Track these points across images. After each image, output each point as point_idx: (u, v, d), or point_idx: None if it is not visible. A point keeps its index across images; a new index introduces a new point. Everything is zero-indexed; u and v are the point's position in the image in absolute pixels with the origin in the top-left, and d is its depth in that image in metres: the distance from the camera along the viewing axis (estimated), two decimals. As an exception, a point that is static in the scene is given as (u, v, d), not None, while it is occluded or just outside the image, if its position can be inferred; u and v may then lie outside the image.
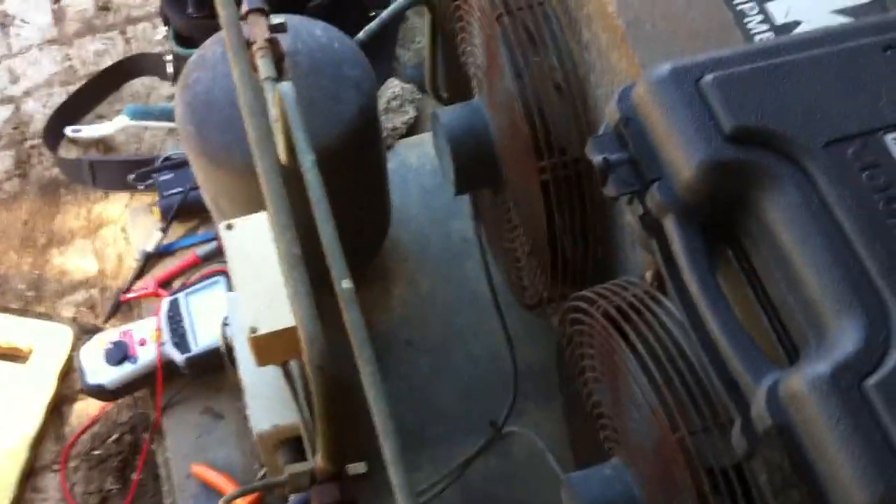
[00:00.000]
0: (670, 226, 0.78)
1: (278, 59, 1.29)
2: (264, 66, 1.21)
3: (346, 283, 0.91)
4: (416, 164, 1.82)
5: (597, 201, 1.16)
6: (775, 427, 0.67)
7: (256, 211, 1.20)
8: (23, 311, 1.81)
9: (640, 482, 1.01)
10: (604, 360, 1.04)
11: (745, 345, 0.71)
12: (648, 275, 1.02)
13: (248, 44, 1.22)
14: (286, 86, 1.02)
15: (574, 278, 1.23)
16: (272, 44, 1.26)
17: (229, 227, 1.20)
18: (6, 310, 1.81)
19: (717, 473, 0.85)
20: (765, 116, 0.77)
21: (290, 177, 1.01)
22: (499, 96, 1.24)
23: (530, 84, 1.15)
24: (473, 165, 1.30)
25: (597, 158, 0.81)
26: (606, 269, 1.20)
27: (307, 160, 0.96)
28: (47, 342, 1.75)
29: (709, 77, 0.80)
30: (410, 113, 1.89)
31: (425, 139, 1.84)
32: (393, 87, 1.91)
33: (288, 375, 1.25)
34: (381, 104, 1.87)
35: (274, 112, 1.14)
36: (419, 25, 2.07)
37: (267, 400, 1.33)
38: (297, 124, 0.98)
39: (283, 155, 1.18)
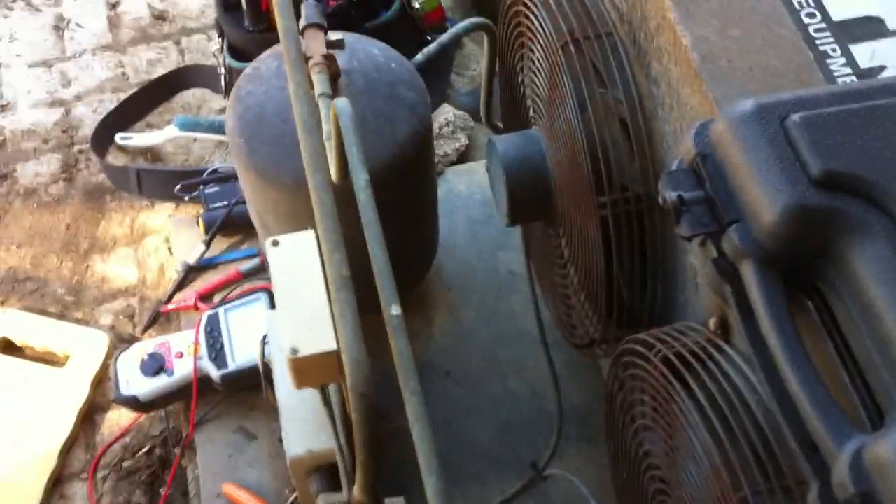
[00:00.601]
0: (748, 272, 0.73)
1: (334, 75, 1.27)
2: (319, 83, 1.18)
3: (396, 310, 0.87)
4: (464, 192, 1.79)
5: (658, 241, 1.12)
6: (858, 496, 0.62)
7: (302, 228, 1.17)
8: (61, 316, 1.80)
9: (692, 540, 0.96)
10: (659, 409, 0.99)
11: (827, 405, 0.66)
12: (712, 321, 0.97)
13: (305, 59, 1.20)
14: (343, 101, 0.99)
15: (629, 321, 1.18)
16: (329, 60, 1.23)
17: (275, 243, 1.17)
18: (44, 313, 1.79)
19: (781, 539, 0.80)
20: (856, 162, 0.72)
21: (340, 196, 0.98)
22: (559, 127, 1.20)
23: (594, 117, 1.11)
24: (528, 196, 1.26)
25: (670, 195, 0.76)
26: (664, 312, 1.15)
27: (361, 179, 0.93)
28: (84, 348, 1.73)
29: (795, 117, 0.75)
30: (462, 140, 1.86)
31: (475, 168, 1.81)
32: (445, 113, 1.88)
33: (326, 400, 1.21)
34: (433, 129, 1.84)
35: (327, 129, 1.11)
36: (475, 53, 2.05)
37: (302, 423, 1.29)
38: (353, 142, 0.95)
39: (334, 173, 1.15)
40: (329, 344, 1.06)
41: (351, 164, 0.96)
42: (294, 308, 1.14)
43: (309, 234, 1.16)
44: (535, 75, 1.27)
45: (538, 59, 1.24)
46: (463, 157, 1.86)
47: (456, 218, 1.75)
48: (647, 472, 1.07)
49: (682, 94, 1.00)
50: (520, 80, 1.35)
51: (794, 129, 0.74)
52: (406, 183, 1.39)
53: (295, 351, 1.11)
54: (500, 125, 1.57)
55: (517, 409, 1.55)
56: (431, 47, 1.52)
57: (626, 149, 1.11)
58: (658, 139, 1.09)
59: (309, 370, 1.13)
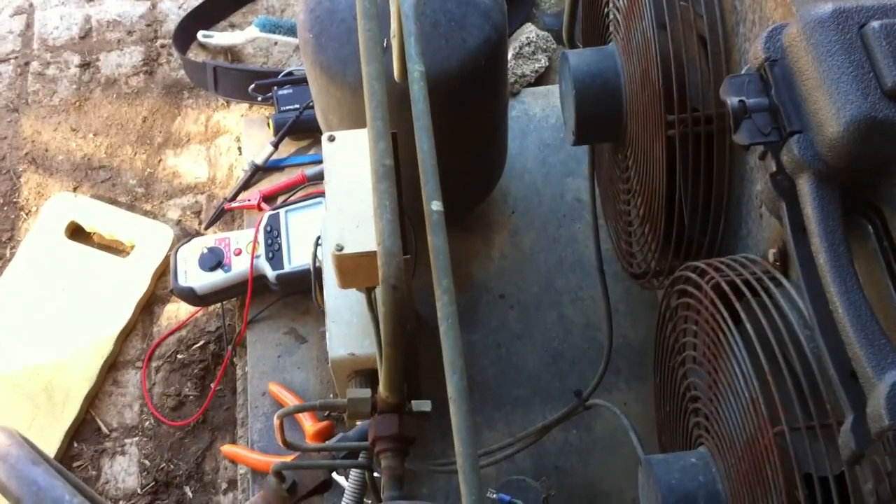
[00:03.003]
0: (805, 186, 0.68)
1: (409, -27, 1.23)
2: (393, -22, 1.15)
3: (436, 206, 0.84)
4: (539, 115, 1.74)
5: (725, 167, 1.06)
6: (892, 430, 0.57)
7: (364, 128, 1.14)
8: (130, 207, 1.82)
9: (725, 476, 0.92)
10: (707, 339, 0.95)
11: (871, 330, 0.61)
12: (771, 253, 0.92)
13: (381, -46, 1.16)
14: (406, -10, 0.95)
15: (688, 250, 1.13)
16: (405, -43, 1.19)
17: (331, 138, 1.15)
18: (114, 203, 1.82)
19: (816, 482, 0.75)
20: (937, 76, 0.66)
21: (406, 101, 0.94)
22: (635, 42, 1.14)
23: (671, 30, 1.05)
24: (597, 114, 1.21)
25: (732, 100, 0.71)
26: (725, 244, 1.10)
27: (415, 70, 0.90)
28: (149, 240, 1.75)
29: (875, 24, 0.69)
30: (542, 62, 1.80)
31: (553, 91, 1.76)
32: (528, 32, 1.82)
33: (371, 304, 1.20)
34: (514, 48, 1.78)
35: (394, 27, 1.07)
36: (566, -27, 1.98)
37: (347, 326, 1.29)
38: (410, 31, 0.91)
39: (397, 71, 1.12)
40: (375, 244, 1.04)
41: (407, 53, 0.93)
42: (344, 206, 1.13)
43: (366, 132, 1.14)
44: (617, -13, 1.21)
45: (621, -30, 1.18)
46: (541, 79, 1.80)
47: (527, 141, 1.70)
48: (688, 405, 1.03)
49: (766, 7, 0.94)
50: (602, -7, 1.29)
51: (873, 37, 0.68)
52: (474, 93, 1.35)
53: (340, 248, 1.10)
54: (581, 46, 1.51)
55: (569, 338, 1.52)
56: (515, -43, 1.47)
57: (702, 67, 1.05)
58: (737, 57, 1.02)
59: (353, 269, 1.12)
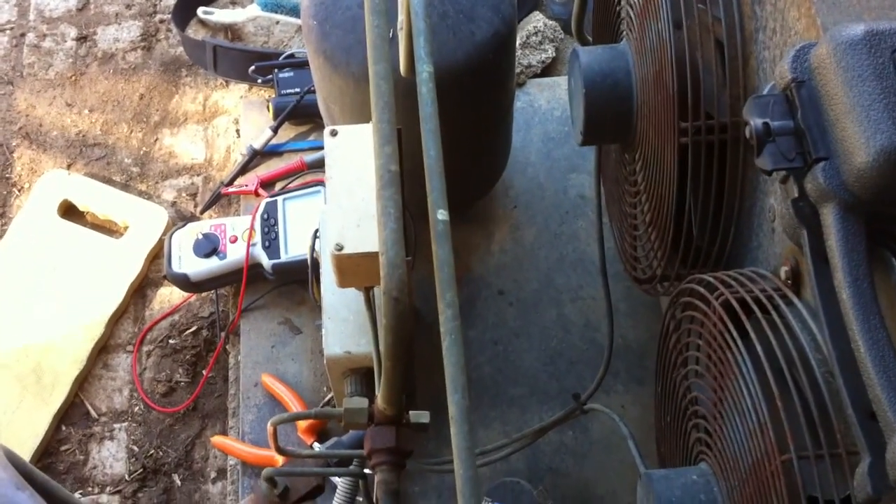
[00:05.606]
0: (829, 217, 0.65)
1: (418, -37, 1.19)
2: (401, -32, 1.11)
3: (442, 215, 0.81)
4: (544, 107, 1.70)
5: (738, 177, 1.03)
6: (914, 480, 0.55)
7: (367, 121, 1.11)
8: (125, 186, 1.78)
9: (727, 497, 0.90)
10: (713, 356, 0.92)
11: (894, 372, 0.59)
12: (783, 270, 0.90)
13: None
14: (417, -14, 0.92)
15: (695, 259, 1.11)
16: (414, -54, 1.16)
17: (334, 133, 1.12)
18: (109, 182, 1.78)
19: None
20: (973, 106, 0.63)
21: (410, 93, 0.91)
22: (649, 42, 1.11)
23: (688, 33, 1.02)
24: (606, 114, 1.18)
25: (755, 122, 0.68)
26: (734, 254, 1.08)
27: (424, 71, 0.86)
28: (143, 222, 1.72)
29: (911, 48, 0.66)
30: (549, 52, 1.77)
31: (559, 83, 1.72)
32: (535, 21, 1.78)
33: (369, 303, 1.17)
34: (521, 38, 1.75)
35: (402, 19, 1.04)
36: (577, -39, 1.94)
37: (344, 324, 1.26)
38: (420, 30, 0.88)
39: (403, 66, 1.09)
40: (375, 244, 1.01)
41: (416, 53, 0.90)
42: (345, 203, 1.10)
43: (370, 127, 1.11)
44: (632, -16, 1.17)
45: (636, -33, 1.14)
46: (548, 70, 1.77)
47: (532, 133, 1.67)
48: (690, 420, 1.01)
49: (788, 17, 0.91)
50: (615, -12, 1.26)
51: (907, 62, 0.65)
52: (480, 87, 1.31)
53: (340, 247, 1.07)
54: (591, 39, 1.48)
55: (568, 338, 1.50)
56: (526, -54, 1.43)
57: (718, 73, 1.02)
58: (754, 65, 0.99)
59: (352, 269, 1.09)
